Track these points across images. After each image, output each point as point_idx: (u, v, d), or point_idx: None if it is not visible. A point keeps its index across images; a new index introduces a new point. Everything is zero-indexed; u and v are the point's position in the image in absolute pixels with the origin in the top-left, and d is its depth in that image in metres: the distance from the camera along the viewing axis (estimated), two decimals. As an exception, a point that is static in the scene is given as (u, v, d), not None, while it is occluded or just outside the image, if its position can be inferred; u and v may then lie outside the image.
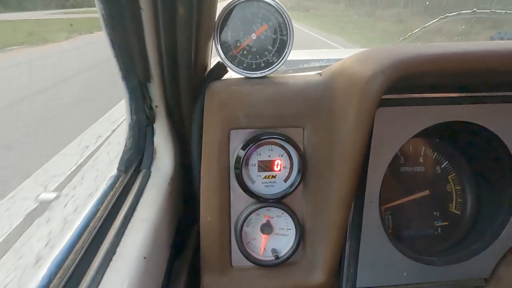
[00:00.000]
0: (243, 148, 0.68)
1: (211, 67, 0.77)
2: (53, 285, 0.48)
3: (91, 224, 0.59)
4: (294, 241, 0.74)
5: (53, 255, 0.52)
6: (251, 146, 0.68)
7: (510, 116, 0.73)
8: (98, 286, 0.48)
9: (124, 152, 0.76)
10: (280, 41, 0.70)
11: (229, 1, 0.68)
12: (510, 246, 0.78)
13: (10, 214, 2.73)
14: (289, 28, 0.69)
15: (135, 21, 0.59)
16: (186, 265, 0.75)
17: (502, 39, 1.18)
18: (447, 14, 1.24)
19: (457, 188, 0.86)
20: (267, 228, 0.74)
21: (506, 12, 1.25)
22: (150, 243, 0.60)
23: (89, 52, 10.64)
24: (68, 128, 4.65)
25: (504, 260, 0.79)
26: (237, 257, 0.75)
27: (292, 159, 0.72)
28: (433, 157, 0.86)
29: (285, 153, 0.71)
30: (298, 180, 0.71)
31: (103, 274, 0.50)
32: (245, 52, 0.70)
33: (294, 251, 0.74)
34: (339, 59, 0.74)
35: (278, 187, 0.73)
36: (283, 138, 0.69)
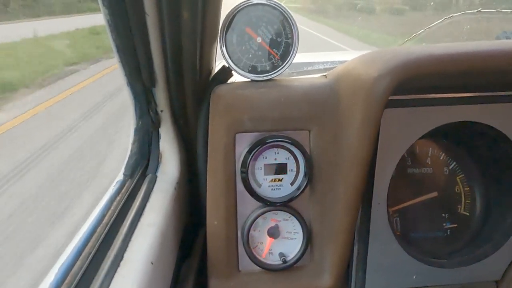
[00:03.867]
0: (249, 151, 0.68)
1: (216, 71, 0.77)
2: None
3: (98, 230, 0.59)
4: (302, 244, 0.73)
5: (60, 262, 0.52)
6: (257, 150, 0.68)
7: None
8: None
9: (130, 157, 0.76)
10: (285, 44, 0.70)
11: (234, 5, 0.68)
12: None
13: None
14: (294, 31, 0.69)
15: (140, 26, 0.59)
16: (193, 270, 0.74)
17: (508, 38, 1.17)
18: (452, 14, 1.23)
19: (465, 189, 0.85)
20: (274, 232, 0.73)
21: None
22: (157, 248, 0.60)
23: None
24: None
25: None
26: (244, 261, 0.75)
27: (298, 162, 0.71)
28: (441, 158, 0.86)
29: (291, 156, 0.71)
30: (305, 183, 0.70)
31: (111, 280, 0.50)
32: (250, 55, 0.70)
33: (302, 254, 0.73)
34: (344, 61, 0.74)
35: (285, 190, 0.72)
36: (289, 141, 0.68)
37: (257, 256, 0.74)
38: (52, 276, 0.50)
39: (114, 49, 0.61)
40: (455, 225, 0.85)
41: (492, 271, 0.79)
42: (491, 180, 0.83)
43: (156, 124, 0.75)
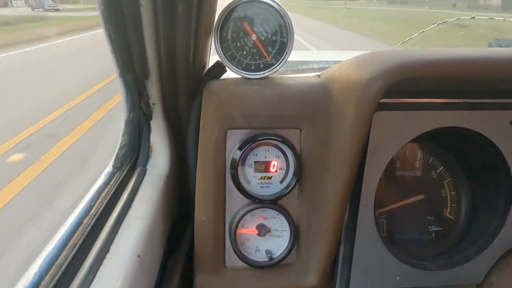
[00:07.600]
0: (240, 148, 0.68)
1: (210, 66, 0.77)
2: (44, 282, 0.47)
3: (84, 221, 0.59)
4: (289, 242, 0.74)
5: (45, 252, 0.52)
6: (248, 147, 0.68)
7: (505, 123, 0.73)
8: (91, 284, 0.48)
9: (119, 149, 0.75)
10: (280, 43, 0.69)
11: (230, 1, 0.67)
12: (503, 253, 0.79)
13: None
14: (289, 30, 0.68)
15: (134, 18, 0.59)
16: (180, 264, 0.74)
17: (500, 46, 1.19)
18: (446, 20, 1.24)
19: (452, 193, 0.87)
20: (262, 229, 0.74)
21: (505, 19, 1.25)
22: (144, 241, 0.60)
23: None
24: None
25: (496, 266, 0.79)
26: (231, 258, 0.75)
27: (288, 160, 0.71)
28: (429, 162, 0.87)
29: (282, 155, 0.71)
30: (294, 182, 0.71)
31: (96, 272, 0.50)
32: (244, 52, 0.70)
33: (288, 252, 0.74)
34: (338, 61, 0.74)
35: (274, 188, 0.73)
36: (280, 140, 0.68)
37: (244, 252, 0.75)
38: (36, 266, 0.49)
39: (107, 39, 0.61)
40: (440, 228, 0.86)
41: (474, 275, 0.80)
42: (477, 185, 0.84)
43: (147, 116, 0.75)
